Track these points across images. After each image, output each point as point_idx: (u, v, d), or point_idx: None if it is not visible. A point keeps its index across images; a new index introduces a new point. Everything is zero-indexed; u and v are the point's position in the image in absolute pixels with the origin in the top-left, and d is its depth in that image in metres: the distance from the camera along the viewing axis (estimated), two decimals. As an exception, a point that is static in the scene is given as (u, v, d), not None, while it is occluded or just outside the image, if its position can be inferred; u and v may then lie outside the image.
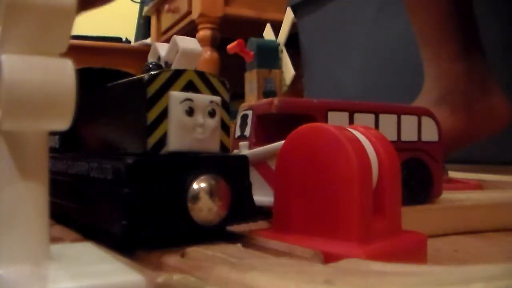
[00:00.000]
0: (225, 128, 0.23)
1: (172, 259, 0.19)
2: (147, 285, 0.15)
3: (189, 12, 1.52)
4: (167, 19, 1.76)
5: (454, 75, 0.64)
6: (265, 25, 0.87)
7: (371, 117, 0.32)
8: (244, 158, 0.23)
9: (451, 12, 0.64)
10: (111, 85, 0.23)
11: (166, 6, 1.69)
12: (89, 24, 1.96)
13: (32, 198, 0.16)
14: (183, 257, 0.19)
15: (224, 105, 0.23)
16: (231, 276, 0.16)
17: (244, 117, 0.33)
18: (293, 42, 1.03)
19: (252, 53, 0.80)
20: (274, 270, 0.16)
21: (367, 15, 1.04)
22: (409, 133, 0.34)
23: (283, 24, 0.83)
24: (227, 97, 0.23)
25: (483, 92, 0.63)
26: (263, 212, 0.26)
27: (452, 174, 0.54)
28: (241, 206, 0.22)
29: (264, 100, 0.32)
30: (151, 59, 0.27)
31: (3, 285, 0.15)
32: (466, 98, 0.63)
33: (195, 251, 0.19)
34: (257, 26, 1.02)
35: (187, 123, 0.21)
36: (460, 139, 0.62)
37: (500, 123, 0.64)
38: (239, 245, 0.20)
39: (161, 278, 0.16)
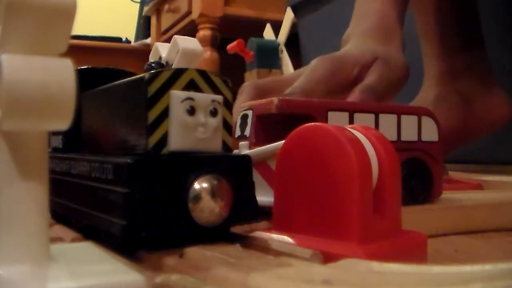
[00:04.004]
0: (227, 127, 0.23)
1: (170, 259, 0.19)
2: (146, 285, 0.15)
3: (189, 12, 1.52)
4: (167, 19, 1.76)
5: (454, 72, 0.64)
6: (265, 25, 0.87)
7: (371, 117, 0.33)
8: (246, 158, 0.23)
9: (454, 7, 0.64)
10: (112, 84, 0.23)
11: (166, 6, 1.69)
12: (89, 24, 1.97)
13: (32, 198, 0.16)
14: (181, 257, 0.19)
15: (227, 104, 0.22)
16: (229, 276, 0.16)
17: (244, 117, 0.33)
18: (293, 42, 1.03)
19: (252, 53, 0.80)
20: (273, 270, 0.16)
21: (367, 15, 1.04)
22: (409, 133, 0.34)
23: (283, 24, 0.83)
24: (229, 96, 0.23)
25: (482, 88, 0.64)
26: (264, 212, 0.26)
27: (452, 174, 0.54)
28: (243, 207, 0.22)
29: (264, 100, 0.32)
30: (152, 59, 0.27)
31: (3, 285, 0.15)
32: (465, 95, 0.63)
33: (194, 251, 0.19)
34: (257, 26, 1.02)
35: (189, 123, 0.21)
36: (460, 137, 0.62)
37: (499, 120, 0.64)
38: (238, 245, 0.20)
39: (159, 278, 0.16)
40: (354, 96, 0.43)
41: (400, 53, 0.50)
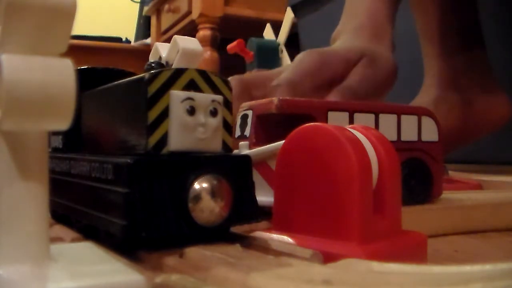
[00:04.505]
0: (227, 127, 0.23)
1: (170, 259, 0.19)
2: (146, 285, 0.15)
3: (189, 12, 1.52)
4: (167, 19, 1.76)
5: (454, 71, 0.64)
6: (265, 25, 0.87)
7: (371, 117, 0.33)
8: (246, 157, 0.23)
9: (455, 7, 0.64)
10: (112, 84, 0.23)
11: (166, 6, 1.69)
12: (89, 24, 1.97)
13: (32, 198, 0.16)
14: (181, 257, 0.19)
15: (227, 104, 0.22)
16: (229, 276, 0.16)
17: (244, 117, 0.33)
18: (293, 42, 1.03)
19: (252, 53, 0.80)
20: (273, 270, 0.16)
21: (367, 15, 1.04)
22: (409, 133, 0.34)
23: (283, 24, 0.83)
24: (229, 96, 0.23)
25: (482, 89, 0.64)
26: (264, 212, 0.26)
27: (452, 174, 0.54)
28: (243, 207, 0.22)
29: (264, 100, 0.32)
30: (152, 59, 0.27)
31: (3, 285, 0.15)
32: (466, 95, 0.63)
33: (194, 251, 0.19)
34: (257, 26, 1.02)
35: (189, 123, 0.21)
36: (460, 137, 0.62)
37: (499, 120, 0.64)
38: (238, 245, 0.20)
39: (159, 278, 0.16)
40: (332, 96, 0.42)
41: (389, 52, 0.50)
